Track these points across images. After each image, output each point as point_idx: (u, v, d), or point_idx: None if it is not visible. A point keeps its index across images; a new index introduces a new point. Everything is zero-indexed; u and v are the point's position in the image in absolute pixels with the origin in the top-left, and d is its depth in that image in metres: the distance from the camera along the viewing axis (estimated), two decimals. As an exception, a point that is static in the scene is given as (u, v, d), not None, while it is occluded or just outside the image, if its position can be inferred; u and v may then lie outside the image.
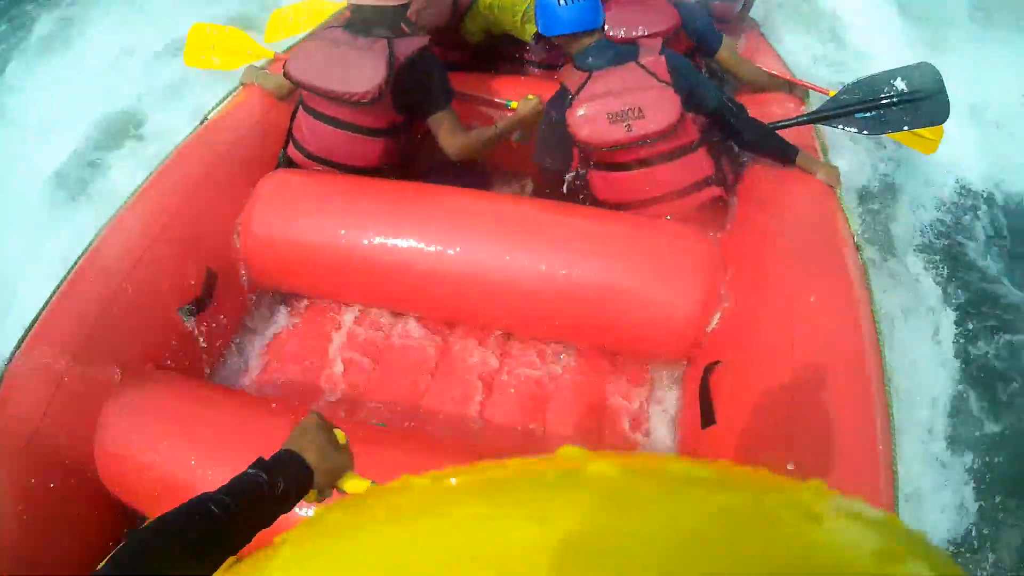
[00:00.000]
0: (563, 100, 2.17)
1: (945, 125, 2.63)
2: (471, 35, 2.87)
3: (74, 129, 3.90)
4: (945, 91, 2.52)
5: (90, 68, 4.47)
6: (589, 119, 2.12)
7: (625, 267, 2.00)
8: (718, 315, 1.97)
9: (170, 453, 1.68)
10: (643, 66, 2.13)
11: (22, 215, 3.44)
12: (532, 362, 2.17)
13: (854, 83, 2.61)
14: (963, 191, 3.72)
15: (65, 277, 1.92)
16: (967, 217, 3.65)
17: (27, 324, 1.80)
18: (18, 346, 1.77)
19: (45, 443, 1.64)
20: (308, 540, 0.43)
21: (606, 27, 2.39)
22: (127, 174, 3.38)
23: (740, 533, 0.37)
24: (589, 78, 2.16)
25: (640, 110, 2.09)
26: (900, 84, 2.53)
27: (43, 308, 1.85)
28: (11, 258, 3.09)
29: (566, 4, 2.15)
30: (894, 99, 2.52)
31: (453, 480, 0.44)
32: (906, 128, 2.58)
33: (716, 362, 1.87)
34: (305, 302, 2.38)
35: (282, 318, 2.36)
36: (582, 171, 2.31)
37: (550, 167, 2.31)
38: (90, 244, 2.00)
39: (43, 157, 3.74)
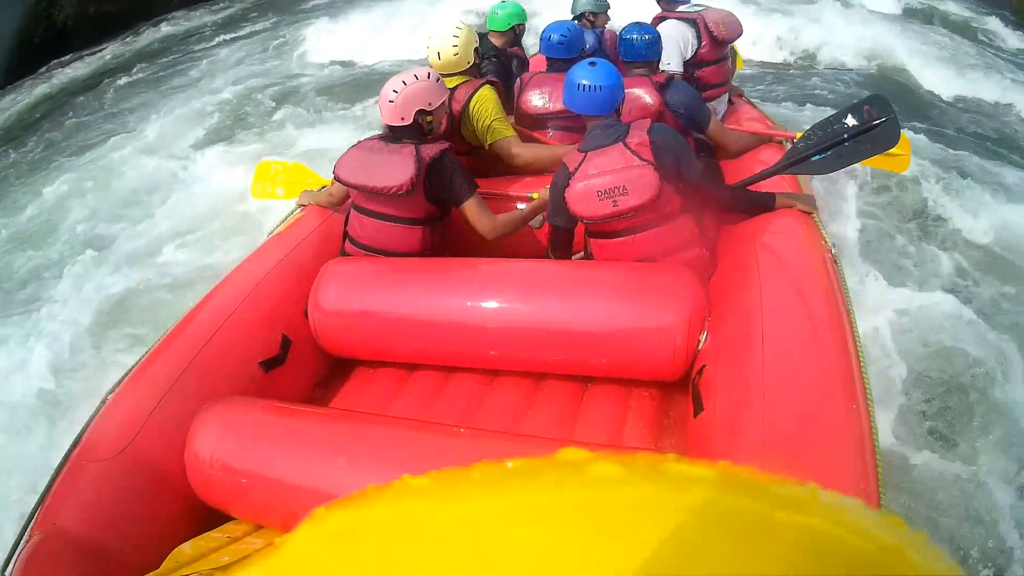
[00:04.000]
0: (564, 175, 2.52)
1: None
2: (470, 139, 3.24)
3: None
4: (895, 117, 2.71)
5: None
6: (582, 197, 2.47)
7: (625, 308, 2.33)
8: (705, 335, 2.27)
9: (254, 460, 2.00)
10: (629, 147, 2.44)
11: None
12: (564, 391, 2.48)
13: (808, 130, 2.85)
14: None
15: (167, 330, 2.42)
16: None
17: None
18: (126, 375, 2.22)
19: (139, 453, 1.99)
20: (308, 541, 0.42)
21: None
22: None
23: (740, 533, 0.37)
24: (584, 159, 2.49)
25: (624, 188, 2.41)
26: (850, 120, 2.74)
27: (148, 351, 2.33)
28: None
29: (582, 91, 2.53)
30: (845, 136, 2.72)
31: (453, 480, 0.45)
32: (861, 159, 2.80)
33: (703, 366, 2.18)
34: (370, 367, 2.74)
35: (351, 379, 2.72)
36: (589, 251, 2.66)
37: (559, 224, 2.66)
38: (188, 310, 2.51)
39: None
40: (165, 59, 10.68)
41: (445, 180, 2.66)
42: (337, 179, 2.77)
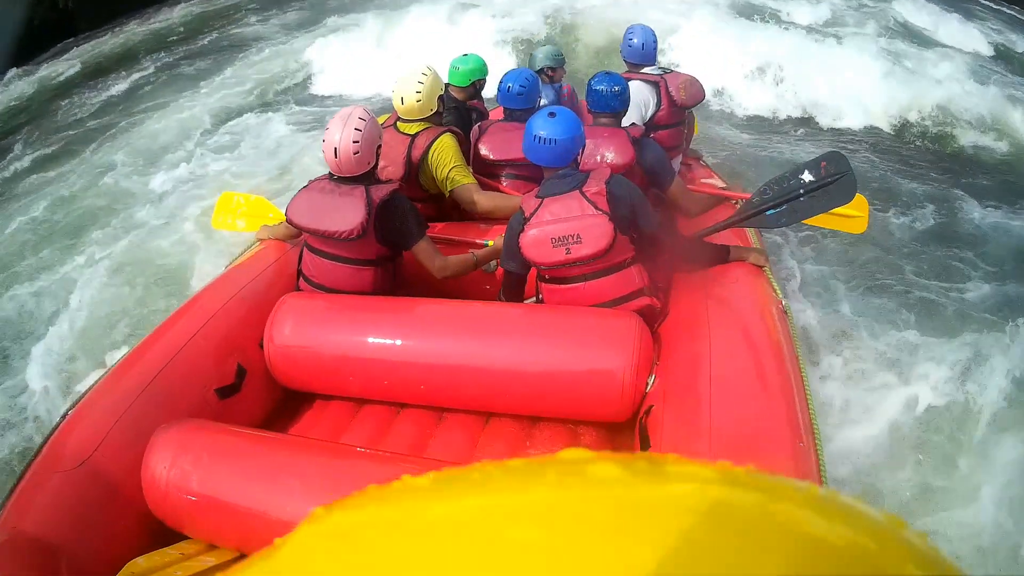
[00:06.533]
0: (520, 220, 2.57)
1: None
2: (429, 187, 3.30)
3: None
4: (851, 173, 2.79)
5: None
6: (536, 243, 2.51)
7: (572, 351, 2.38)
8: (653, 377, 2.33)
9: (207, 482, 2.03)
10: (585, 195, 2.48)
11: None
12: (511, 430, 2.51)
13: (764, 185, 2.92)
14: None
15: (126, 353, 2.48)
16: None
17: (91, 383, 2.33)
18: (87, 391, 2.29)
19: (98, 468, 2.04)
20: (307, 541, 0.42)
21: None
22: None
23: (740, 532, 0.37)
24: (540, 205, 2.53)
25: (578, 236, 2.46)
26: (806, 176, 2.81)
27: (109, 369, 2.40)
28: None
29: (538, 143, 2.54)
30: (800, 191, 2.80)
31: (453, 480, 0.45)
32: (815, 214, 2.87)
33: (651, 407, 2.24)
34: (322, 400, 2.77)
35: (303, 411, 2.76)
36: (540, 297, 2.70)
37: (512, 269, 2.69)
38: (145, 336, 2.58)
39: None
40: (167, 49, 10.50)
41: (396, 223, 2.69)
42: (289, 222, 2.78)
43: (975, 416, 3.24)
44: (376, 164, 2.75)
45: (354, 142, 2.61)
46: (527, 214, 2.55)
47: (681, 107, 3.83)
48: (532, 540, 0.37)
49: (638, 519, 0.38)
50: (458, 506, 0.42)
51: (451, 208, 3.37)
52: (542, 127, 2.55)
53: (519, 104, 3.53)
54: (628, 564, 0.34)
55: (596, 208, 2.46)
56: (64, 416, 2.20)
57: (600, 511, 0.39)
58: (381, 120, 3.27)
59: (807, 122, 7.36)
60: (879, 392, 3.37)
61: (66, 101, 8.98)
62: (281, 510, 1.91)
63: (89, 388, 2.32)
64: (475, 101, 4.06)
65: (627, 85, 3.30)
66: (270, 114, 7.60)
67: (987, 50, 9.28)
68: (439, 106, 3.31)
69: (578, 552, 0.36)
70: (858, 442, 3.09)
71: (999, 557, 2.65)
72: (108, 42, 11.52)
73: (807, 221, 3.02)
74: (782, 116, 7.54)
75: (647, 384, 2.32)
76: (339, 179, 2.69)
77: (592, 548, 0.36)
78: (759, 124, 7.40)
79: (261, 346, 2.65)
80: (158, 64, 9.94)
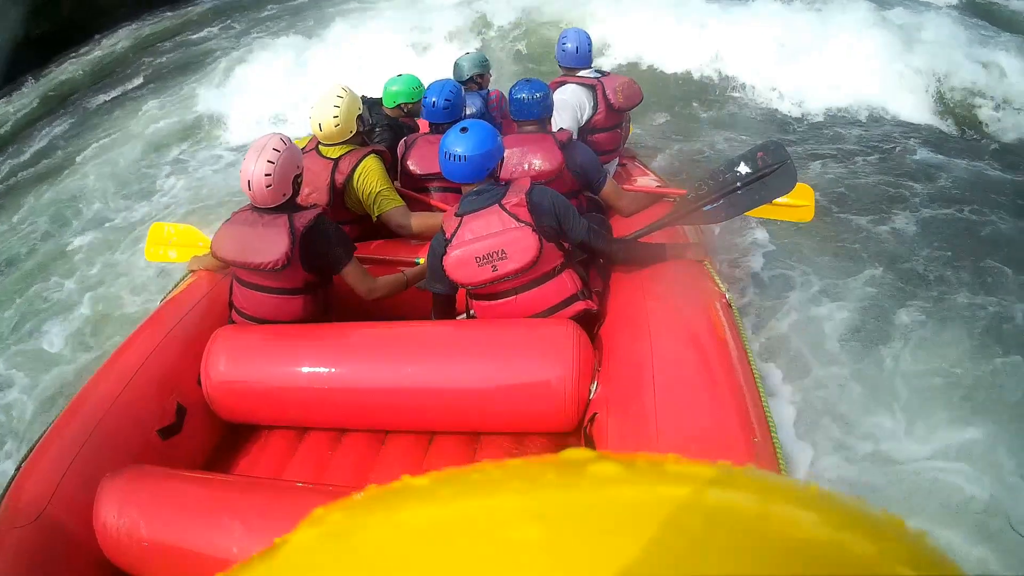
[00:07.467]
0: (441, 243, 2.50)
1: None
2: (356, 209, 3.27)
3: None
4: (790, 163, 2.73)
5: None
6: (460, 264, 2.45)
7: (511, 364, 2.35)
8: (595, 384, 2.30)
9: (155, 527, 2.06)
10: (506, 208, 2.42)
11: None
12: (455, 447, 2.47)
13: (699, 180, 2.88)
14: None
15: (71, 397, 2.49)
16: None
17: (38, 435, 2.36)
18: (36, 443, 2.30)
19: (53, 520, 2.05)
20: (308, 541, 0.43)
21: None
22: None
23: (740, 532, 0.37)
24: (460, 223, 2.47)
25: (503, 252, 2.41)
26: (743, 168, 2.76)
27: (55, 419, 2.40)
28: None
29: (450, 160, 2.48)
30: (738, 184, 2.74)
31: (453, 480, 0.45)
32: (755, 206, 2.82)
33: (595, 414, 2.21)
34: (265, 431, 2.72)
35: (247, 444, 2.70)
36: (472, 312, 2.65)
37: (439, 291, 2.65)
38: (87, 382, 2.56)
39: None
40: (95, 89, 10.43)
41: (321, 248, 2.64)
42: (214, 255, 2.73)
43: (944, 402, 3.19)
44: (297, 192, 2.70)
45: (266, 175, 2.54)
46: (448, 235, 2.49)
47: (618, 110, 3.78)
48: (532, 540, 0.37)
49: (638, 519, 0.38)
50: (458, 506, 0.42)
51: (378, 228, 3.32)
52: (454, 143, 2.48)
53: (446, 118, 3.44)
54: (628, 564, 0.34)
55: (518, 220, 2.41)
56: (18, 469, 2.21)
57: (600, 511, 0.39)
58: (301, 144, 3.20)
59: (756, 107, 7.10)
60: (841, 379, 3.34)
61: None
62: (224, 551, 1.95)
63: (39, 438, 2.32)
64: (407, 119, 3.99)
65: (549, 91, 3.26)
66: (210, 143, 7.55)
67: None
68: (359, 126, 3.25)
69: (578, 552, 0.36)
70: (816, 428, 3.06)
71: (998, 558, 2.59)
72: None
73: (750, 213, 2.99)
74: (726, 99, 7.26)
75: (590, 391, 2.29)
76: (261, 209, 2.64)
77: (592, 548, 0.36)
78: (704, 108, 7.21)
79: (199, 382, 2.61)
80: (89, 103, 9.81)
